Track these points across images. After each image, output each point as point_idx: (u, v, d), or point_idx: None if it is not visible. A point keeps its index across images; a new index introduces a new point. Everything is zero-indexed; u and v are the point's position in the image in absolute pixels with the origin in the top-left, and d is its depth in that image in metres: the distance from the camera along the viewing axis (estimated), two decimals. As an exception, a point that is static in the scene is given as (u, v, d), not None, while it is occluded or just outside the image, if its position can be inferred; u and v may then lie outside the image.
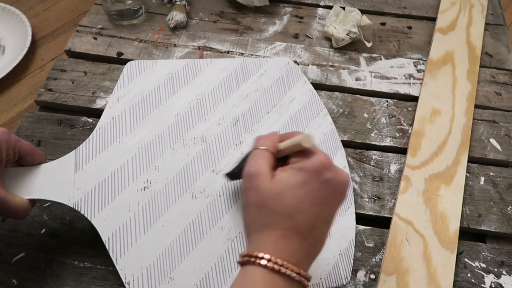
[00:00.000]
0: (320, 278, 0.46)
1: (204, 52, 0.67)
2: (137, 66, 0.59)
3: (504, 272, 0.48)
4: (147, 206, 0.47)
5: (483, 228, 0.51)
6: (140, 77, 0.58)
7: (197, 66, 0.60)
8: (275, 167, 0.37)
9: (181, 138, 0.53)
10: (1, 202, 0.40)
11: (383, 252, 0.49)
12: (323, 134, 0.56)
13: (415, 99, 0.63)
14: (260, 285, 0.32)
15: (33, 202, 0.44)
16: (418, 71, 0.66)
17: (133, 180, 0.49)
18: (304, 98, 0.59)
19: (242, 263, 0.34)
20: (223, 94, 0.57)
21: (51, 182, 0.45)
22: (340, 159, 0.54)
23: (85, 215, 0.45)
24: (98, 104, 0.59)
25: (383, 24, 0.73)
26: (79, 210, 0.45)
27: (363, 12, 0.70)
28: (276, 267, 0.32)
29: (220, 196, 0.49)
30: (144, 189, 0.48)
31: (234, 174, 0.47)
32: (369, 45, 0.68)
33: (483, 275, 0.48)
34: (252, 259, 0.33)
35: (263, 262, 0.32)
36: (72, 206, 0.45)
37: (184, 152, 0.52)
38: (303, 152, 0.36)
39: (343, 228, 0.49)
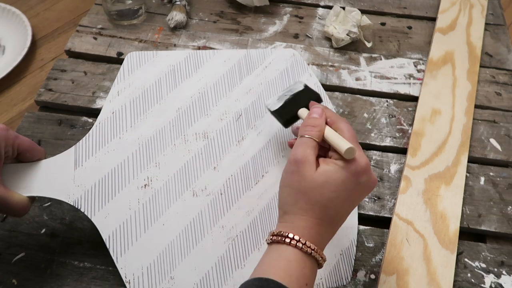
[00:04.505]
0: (321, 278, 0.46)
1: (204, 52, 0.67)
2: (138, 58, 0.58)
3: (504, 272, 0.48)
4: (147, 204, 0.47)
5: (483, 228, 0.51)
6: (141, 69, 0.57)
7: (199, 57, 0.59)
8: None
9: (183, 133, 0.52)
10: (0, 199, 0.40)
11: (383, 252, 0.49)
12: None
13: (415, 99, 0.63)
14: (293, 264, 0.35)
15: (32, 199, 0.44)
16: (418, 71, 0.66)
17: (133, 177, 0.48)
18: None
19: (274, 241, 0.37)
20: (225, 88, 0.57)
21: (51, 179, 0.45)
22: None
23: (85, 213, 0.45)
24: (98, 104, 0.59)
25: (383, 24, 0.73)
26: (79, 208, 0.45)
27: (363, 12, 0.70)
28: (309, 250, 0.36)
29: (221, 194, 0.49)
30: (145, 187, 0.48)
31: (279, 113, 0.48)
32: (369, 45, 0.68)
33: (483, 275, 0.48)
34: (287, 240, 0.36)
35: (299, 245, 0.36)
36: (72, 203, 0.45)
37: (185, 149, 0.51)
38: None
39: (345, 228, 0.49)
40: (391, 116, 0.61)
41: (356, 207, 0.51)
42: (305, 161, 0.38)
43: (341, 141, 0.38)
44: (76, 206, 0.45)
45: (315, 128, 0.40)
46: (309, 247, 0.36)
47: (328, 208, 0.37)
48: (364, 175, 0.38)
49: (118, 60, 0.65)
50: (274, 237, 0.37)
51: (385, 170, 0.55)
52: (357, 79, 0.65)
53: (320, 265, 0.37)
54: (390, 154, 0.57)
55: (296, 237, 0.36)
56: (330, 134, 0.40)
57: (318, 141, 0.40)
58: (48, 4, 0.77)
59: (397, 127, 0.60)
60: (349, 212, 0.40)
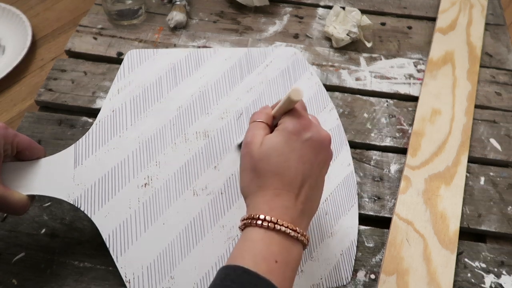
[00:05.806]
0: (321, 278, 0.46)
1: (204, 52, 0.66)
2: (138, 56, 0.58)
3: (504, 272, 0.48)
4: (147, 203, 0.47)
5: (483, 228, 0.51)
6: (141, 67, 0.57)
7: (200, 55, 0.59)
8: None
9: (183, 132, 0.52)
10: (0, 198, 0.40)
11: (383, 252, 0.49)
12: (328, 130, 0.55)
13: (415, 99, 0.63)
14: (258, 244, 0.34)
15: (32, 197, 0.44)
16: (418, 71, 0.66)
17: (133, 176, 0.48)
18: (310, 91, 0.58)
19: (242, 227, 0.36)
20: (226, 86, 0.57)
21: (51, 177, 0.45)
22: (345, 155, 0.54)
23: (85, 212, 0.45)
24: (98, 104, 0.59)
25: (383, 24, 0.73)
26: (79, 207, 0.45)
27: (363, 12, 0.70)
28: (271, 225, 0.34)
29: (221, 193, 0.49)
30: (145, 186, 0.48)
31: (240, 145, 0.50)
32: (369, 45, 0.68)
33: (483, 275, 0.48)
34: (250, 221, 0.35)
35: (259, 222, 0.34)
36: (72, 202, 0.45)
37: (185, 148, 0.51)
38: (290, 113, 0.38)
39: (346, 227, 0.49)
40: (391, 116, 0.61)
41: (357, 207, 0.51)
42: (252, 141, 0.37)
43: (286, 96, 0.37)
44: (76, 205, 0.45)
45: (261, 113, 0.41)
46: (270, 220, 0.34)
47: (281, 174, 0.36)
48: (305, 132, 0.37)
49: (118, 60, 0.65)
50: (240, 223, 0.36)
51: (385, 170, 0.55)
52: (357, 79, 0.65)
53: (294, 238, 0.35)
54: (390, 154, 0.57)
55: (256, 216, 0.34)
56: (277, 106, 0.39)
57: (266, 122, 0.39)
58: (48, 4, 0.77)
59: (397, 127, 0.60)
60: (314, 176, 0.37)
